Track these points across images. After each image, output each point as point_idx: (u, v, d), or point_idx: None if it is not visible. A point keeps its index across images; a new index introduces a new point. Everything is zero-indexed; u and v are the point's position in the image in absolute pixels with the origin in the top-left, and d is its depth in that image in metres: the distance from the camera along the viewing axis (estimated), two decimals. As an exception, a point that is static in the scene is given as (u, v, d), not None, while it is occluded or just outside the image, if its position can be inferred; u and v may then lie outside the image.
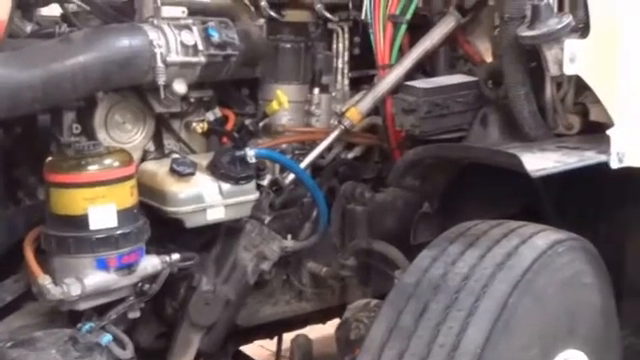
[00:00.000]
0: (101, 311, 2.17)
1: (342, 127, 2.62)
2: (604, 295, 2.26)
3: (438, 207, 2.65)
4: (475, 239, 2.09)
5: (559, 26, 2.25)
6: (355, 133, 2.72)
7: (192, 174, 2.27)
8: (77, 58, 2.11)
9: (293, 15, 2.73)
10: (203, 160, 2.36)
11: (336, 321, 2.97)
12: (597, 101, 2.39)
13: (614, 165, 2.27)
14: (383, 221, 2.70)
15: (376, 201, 2.69)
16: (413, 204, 2.69)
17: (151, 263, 2.20)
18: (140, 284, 2.19)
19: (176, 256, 2.25)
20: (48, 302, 2.10)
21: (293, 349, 2.77)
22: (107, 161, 2.14)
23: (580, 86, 2.43)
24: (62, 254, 2.12)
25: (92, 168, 2.11)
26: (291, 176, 2.56)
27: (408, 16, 2.64)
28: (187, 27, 2.33)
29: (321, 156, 2.67)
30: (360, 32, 2.78)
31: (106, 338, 2.11)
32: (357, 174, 2.81)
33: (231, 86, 2.62)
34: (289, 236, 2.58)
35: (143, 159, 2.41)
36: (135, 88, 2.33)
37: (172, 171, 2.26)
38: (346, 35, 2.78)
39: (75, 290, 2.07)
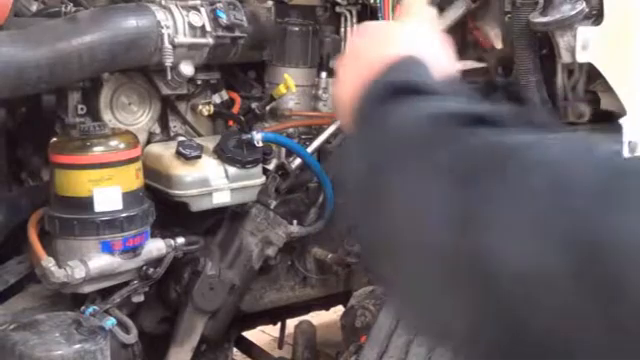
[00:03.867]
0: (105, 294, 2.16)
1: (349, 112, 2.59)
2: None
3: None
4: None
5: (572, 12, 2.23)
6: (362, 118, 2.69)
7: (198, 157, 2.24)
8: (83, 38, 2.08)
9: (301, -2, 2.70)
10: (209, 143, 2.33)
11: (340, 308, 2.96)
12: (608, 89, 2.37)
13: (626, 155, 2.25)
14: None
15: (383, 187, 2.66)
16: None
17: (156, 246, 2.19)
18: (144, 268, 2.17)
19: (181, 240, 2.23)
20: (52, 284, 2.08)
21: (296, 335, 2.75)
22: (113, 143, 2.11)
23: (591, 74, 2.41)
24: (66, 236, 2.10)
25: (97, 149, 2.09)
26: (297, 161, 2.53)
27: (418, 0, 2.60)
28: (195, 8, 2.30)
29: (328, 141, 2.65)
30: (368, 16, 2.75)
31: (110, 322, 2.10)
32: (363, 160, 2.78)
33: (238, 69, 2.59)
34: (295, 221, 2.56)
35: (149, 141, 2.38)
36: (141, 69, 2.30)
37: (178, 154, 2.24)
38: (354, 19, 2.74)
39: (79, 273, 2.05)
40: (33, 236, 2.14)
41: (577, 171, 0.60)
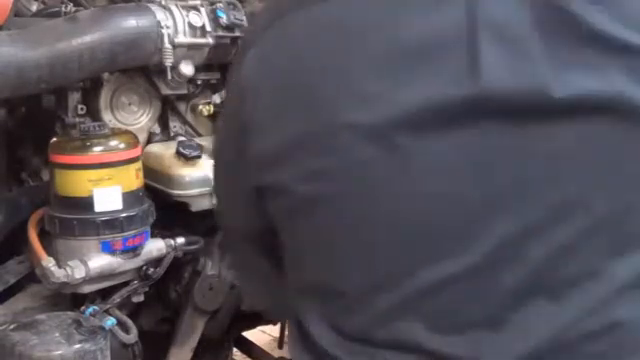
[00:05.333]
0: (105, 294, 2.16)
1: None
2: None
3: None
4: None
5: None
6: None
7: (198, 157, 2.24)
8: (83, 38, 2.08)
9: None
10: (209, 143, 2.33)
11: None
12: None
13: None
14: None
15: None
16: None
17: (156, 246, 2.18)
18: (145, 268, 2.17)
19: (181, 240, 2.23)
20: (52, 284, 2.07)
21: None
22: (113, 143, 2.11)
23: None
24: (66, 236, 2.10)
25: (97, 149, 2.09)
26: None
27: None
28: (195, 8, 2.30)
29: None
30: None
31: (110, 322, 2.10)
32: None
33: (238, 69, 2.59)
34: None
35: (149, 141, 2.38)
36: (142, 69, 2.30)
37: (178, 154, 2.24)
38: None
39: (79, 273, 2.05)
40: (33, 236, 2.14)
41: None
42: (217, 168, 1.25)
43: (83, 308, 2.10)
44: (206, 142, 2.34)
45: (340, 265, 1.05)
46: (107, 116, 2.30)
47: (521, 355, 0.96)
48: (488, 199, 0.94)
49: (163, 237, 2.22)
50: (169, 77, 2.26)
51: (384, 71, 0.95)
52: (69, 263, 2.06)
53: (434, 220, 0.96)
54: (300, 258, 1.11)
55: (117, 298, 2.15)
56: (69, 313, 2.06)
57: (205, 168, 2.26)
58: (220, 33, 2.31)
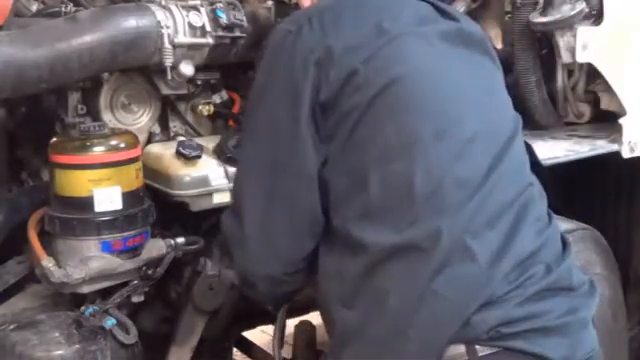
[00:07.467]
0: (105, 294, 2.15)
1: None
2: (612, 286, 2.25)
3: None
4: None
5: (572, 12, 2.23)
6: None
7: (198, 157, 2.24)
8: (83, 38, 2.08)
9: (301, -3, 2.70)
10: (209, 143, 2.33)
11: (340, 307, 2.95)
12: (608, 89, 2.37)
13: (626, 155, 2.26)
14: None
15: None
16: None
17: (156, 246, 2.18)
18: (144, 268, 2.16)
19: (181, 240, 2.23)
20: (51, 285, 2.07)
21: (296, 335, 2.75)
22: (113, 143, 2.11)
23: (591, 74, 2.41)
24: (66, 236, 2.10)
25: (97, 149, 2.09)
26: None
27: (418, 0, 2.61)
28: (195, 8, 2.30)
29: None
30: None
31: (110, 322, 2.09)
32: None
33: (238, 69, 2.59)
34: (294, 222, 2.55)
35: (149, 141, 2.38)
36: (141, 69, 2.30)
37: (178, 154, 2.23)
38: (354, 19, 2.74)
39: (79, 273, 2.05)
40: (33, 236, 2.14)
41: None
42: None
43: (83, 308, 2.09)
44: (206, 142, 2.34)
45: (413, 121, 1.63)
46: (107, 116, 2.30)
47: None
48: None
49: (163, 237, 2.22)
50: (169, 77, 2.26)
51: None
52: (69, 263, 2.06)
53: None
54: (379, 129, 1.63)
55: (117, 298, 2.15)
56: (69, 313, 2.06)
57: (205, 168, 2.26)
58: (220, 33, 2.31)
